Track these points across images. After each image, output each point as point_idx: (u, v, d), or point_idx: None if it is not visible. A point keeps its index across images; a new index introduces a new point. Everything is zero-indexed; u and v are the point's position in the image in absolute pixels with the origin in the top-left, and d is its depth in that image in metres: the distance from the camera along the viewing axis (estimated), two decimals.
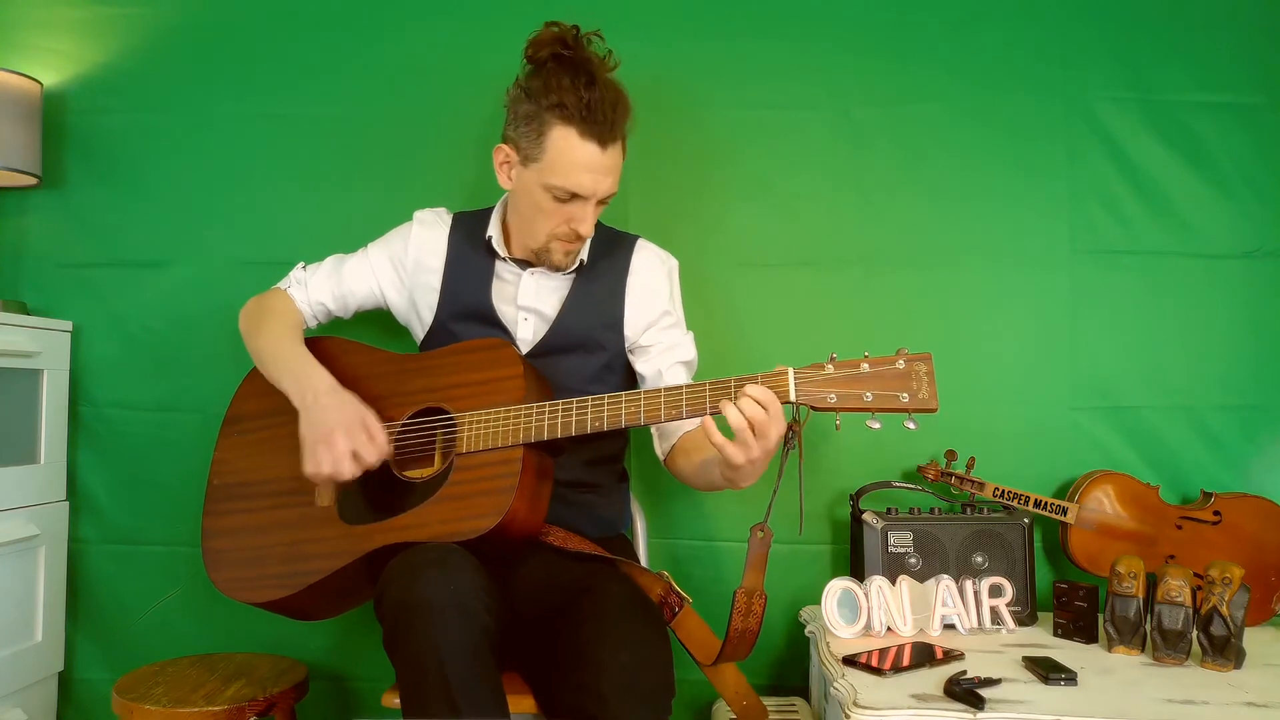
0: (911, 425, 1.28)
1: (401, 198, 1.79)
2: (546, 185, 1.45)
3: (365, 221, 1.75)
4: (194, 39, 1.97)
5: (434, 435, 1.47)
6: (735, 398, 1.27)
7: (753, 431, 1.25)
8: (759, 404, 1.25)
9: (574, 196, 1.46)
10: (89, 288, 1.96)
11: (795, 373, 1.29)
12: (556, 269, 1.56)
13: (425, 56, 1.94)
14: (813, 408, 1.28)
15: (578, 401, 1.37)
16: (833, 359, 1.29)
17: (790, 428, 1.30)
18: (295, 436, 1.46)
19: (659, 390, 1.35)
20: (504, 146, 1.52)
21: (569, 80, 1.41)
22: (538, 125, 1.44)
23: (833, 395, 1.27)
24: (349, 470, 1.39)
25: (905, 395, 1.26)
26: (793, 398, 1.28)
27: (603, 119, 1.41)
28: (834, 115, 1.91)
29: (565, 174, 1.44)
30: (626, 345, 1.61)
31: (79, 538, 1.95)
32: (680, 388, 1.34)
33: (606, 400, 1.37)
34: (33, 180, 1.90)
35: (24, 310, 1.90)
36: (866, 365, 1.28)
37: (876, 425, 1.28)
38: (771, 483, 1.32)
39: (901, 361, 1.27)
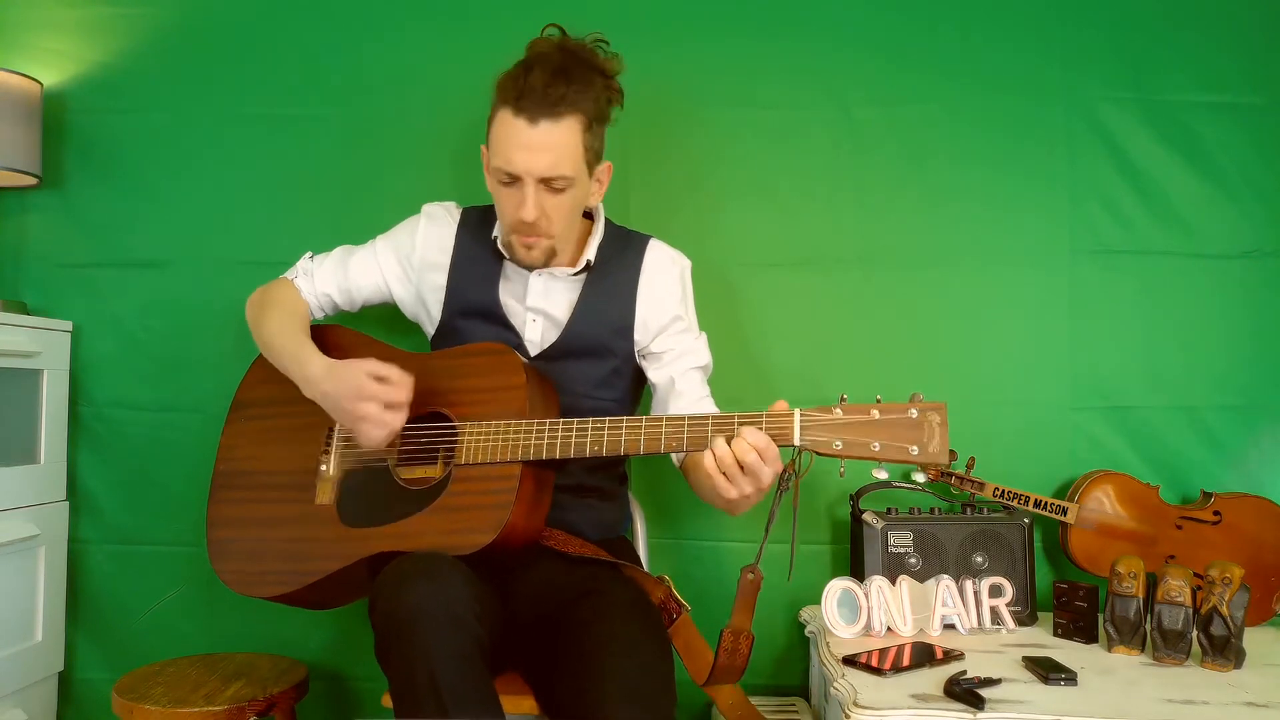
0: (920, 478, 1.26)
1: (401, 197, 1.78)
2: (494, 171, 1.46)
3: (365, 221, 1.74)
4: (194, 39, 1.96)
5: (435, 441, 1.47)
6: (733, 437, 1.25)
7: (742, 470, 1.24)
8: (754, 449, 1.23)
9: (513, 179, 1.44)
10: (89, 288, 1.96)
11: (801, 414, 1.25)
12: (525, 266, 1.54)
13: (425, 56, 1.94)
14: (817, 453, 1.25)
15: (578, 423, 1.36)
16: (843, 401, 1.26)
17: (787, 469, 1.28)
18: (299, 428, 1.47)
19: (661, 419, 1.33)
20: (484, 147, 1.52)
21: (516, 69, 1.43)
22: (492, 113, 1.46)
23: (839, 442, 1.23)
24: (395, 421, 1.38)
25: (915, 448, 1.22)
26: (796, 441, 1.25)
27: (531, 95, 1.39)
28: (834, 115, 1.91)
29: (501, 153, 1.43)
30: (637, 350, 1.60)
31: (79, 538, 1.95)
32: (682, 419, 1.32)
33: (608, 425, 1.35)
34: (33, 180, 1.90)
35: (24, 310, 1.90)
36: (877, 412, 1.23)
37: (883, 475, 1.25)
38: (766, 513, 1.32)
39: (914, 411, 1.23)
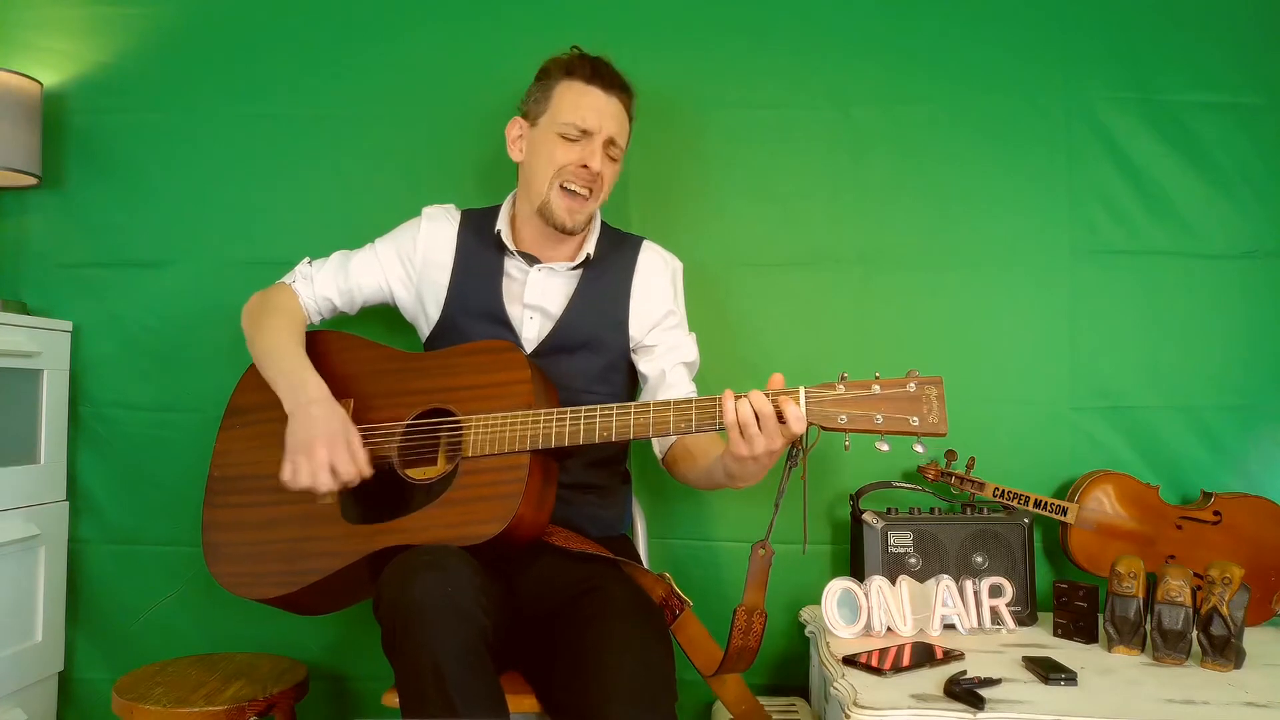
0: (920, 449, 1.28)
1: (401, 197, 1.79)
2: (557, 127, 1.53)
3: (365, 221, 1.75)
4: (194, 39, 1.97)
5: (438, 437, 1.47)
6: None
7: (759, 427, 1.26)
8: (770, 404, 1.25)
9: (583, 134, 1.53)
10: (89, 288, 1.96)
11: (807, 391, 1.29)
12: (561, 228, 1.55)
13: (426, 57, 1.94)
14: (823, 427, 1.28)
15: (586, 410, 1.37)
16: (844, 379, 1.29)
17: (795, 444, 1.30)
18: None
19: (669, 402, 1.35)
20: (517, 119, 1.60)
21: (575, 56, 1.57)
22: (546, 87, 1.57)
23: (843, 416, 1.27)
24: (325, 483, 1.38)
25: (915, 419, 1.26)
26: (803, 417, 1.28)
27: (606, 72, 1.56)
28: (834, 115, 1.91)
29: (572, 111, 1.53)
30: (630, 345, 1.61)
31: (79, 538, 1.95)
32: (690, 401, 1.34)
33: (616, 410, 1.37)
34: (33, 180, 1.90)
35: (24, 310, 1.90)
36: (878, 387, 1.28)
37: (885, 447, 1.28)
38: (773, 497, 1.32)
39: (913, 384, 1.27)
